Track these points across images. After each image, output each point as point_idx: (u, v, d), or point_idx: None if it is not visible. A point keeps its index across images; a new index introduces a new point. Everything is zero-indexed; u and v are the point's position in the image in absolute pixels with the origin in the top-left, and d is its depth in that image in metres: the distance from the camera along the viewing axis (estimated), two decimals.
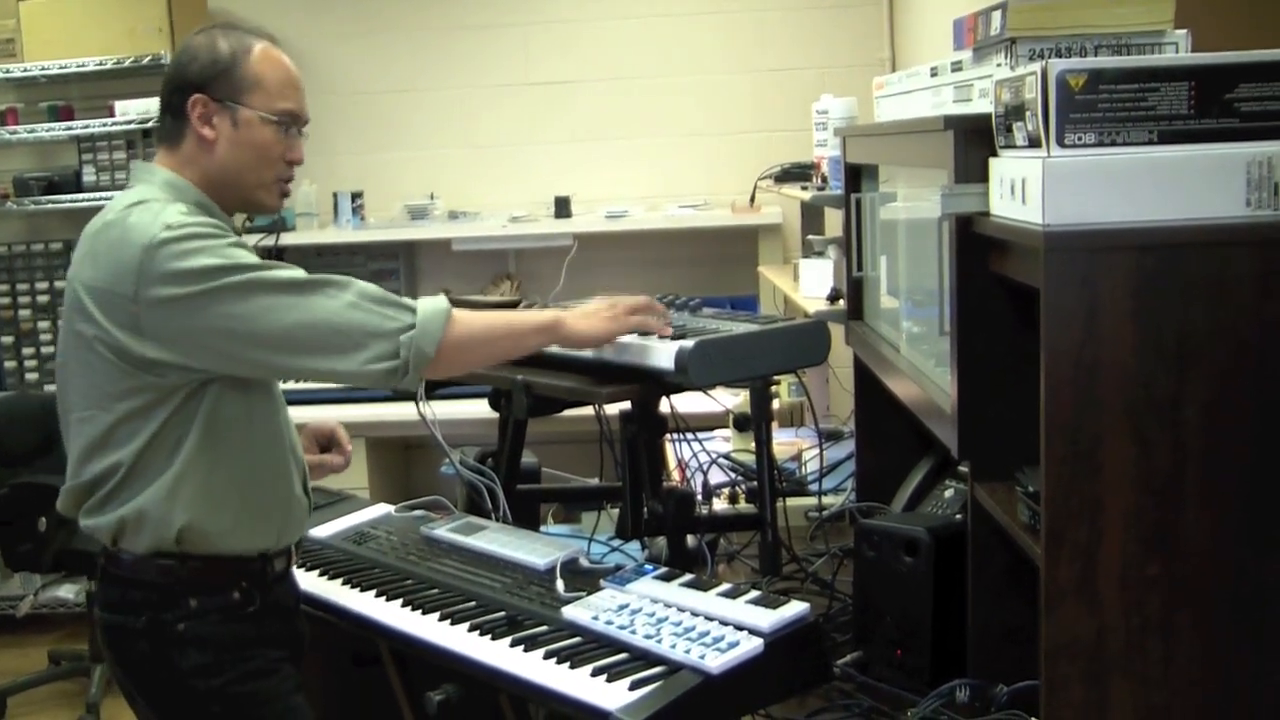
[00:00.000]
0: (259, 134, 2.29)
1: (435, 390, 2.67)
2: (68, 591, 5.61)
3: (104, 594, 2.31)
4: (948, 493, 2.51)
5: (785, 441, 3.53)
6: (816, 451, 3.16)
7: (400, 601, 2.34)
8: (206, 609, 2.24)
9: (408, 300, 2.22)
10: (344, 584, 2.47)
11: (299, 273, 2.18)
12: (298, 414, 2.57)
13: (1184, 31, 1.79)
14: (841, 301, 3.14)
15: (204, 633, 2.24)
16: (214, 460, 2.22)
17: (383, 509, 2.89)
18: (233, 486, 2.24)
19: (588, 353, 2.45)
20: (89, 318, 2.17)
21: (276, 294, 2.14)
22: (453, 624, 2.21)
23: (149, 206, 2.18)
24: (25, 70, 5.38)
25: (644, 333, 2.42)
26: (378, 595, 2.39)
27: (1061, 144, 1.54)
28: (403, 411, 3.50)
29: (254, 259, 2.16)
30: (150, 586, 2.24)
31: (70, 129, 5.44)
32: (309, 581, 2.48)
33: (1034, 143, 1.59)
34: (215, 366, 2.18)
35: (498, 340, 2.35)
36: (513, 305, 2.74)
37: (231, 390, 2.23)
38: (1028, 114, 1.60)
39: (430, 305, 2.21)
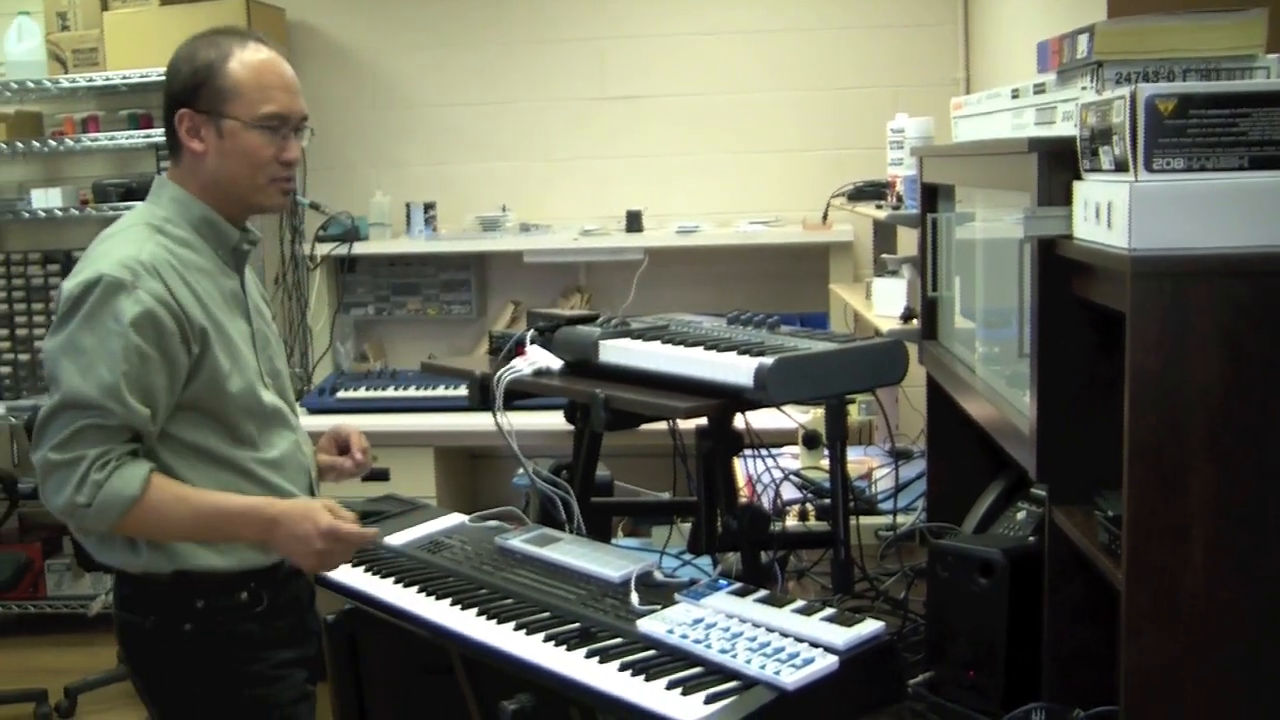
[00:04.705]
0: (244, 141, 2.29)
1: (512, 402, 2.69)
2: None
3: (120, 591, 2.33)
4: (1020, 514, 2.50)
5: (855, 460, 3.53)
6: (886, 470, 3.16)
7: (475, 610, 2.36)
8: (214, 610, 2.25)
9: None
10: (419, 591, 2.49)
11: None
12: (361, 422, 2.76)
13: (1275, 56, 1.78)
14: (915, 321, 3.14)
15: (210, 634, 2.25)
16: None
17: (456, 518, 2.91)
18: None
19: (660, 367, 2.48)
20: None
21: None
22: (528, 634, 2.23)
23: (127, 235, 2.26)
24: (107, 79, 5.46)
25: (722, 347, 2.44)
26: (453, 604, 2.41)
27: (1150, 169, 1.54)
28: (472, 421, 3.50)
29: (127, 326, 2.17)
30: (160, 584, 2.25)
31: (149, 137, 5.52)
32: (383, 589, 2.50)
33: (1121, 167, 1.59)
34: None
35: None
36: (590, 319, 2.76)
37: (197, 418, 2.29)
38: (1115, 138, 1.60)
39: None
